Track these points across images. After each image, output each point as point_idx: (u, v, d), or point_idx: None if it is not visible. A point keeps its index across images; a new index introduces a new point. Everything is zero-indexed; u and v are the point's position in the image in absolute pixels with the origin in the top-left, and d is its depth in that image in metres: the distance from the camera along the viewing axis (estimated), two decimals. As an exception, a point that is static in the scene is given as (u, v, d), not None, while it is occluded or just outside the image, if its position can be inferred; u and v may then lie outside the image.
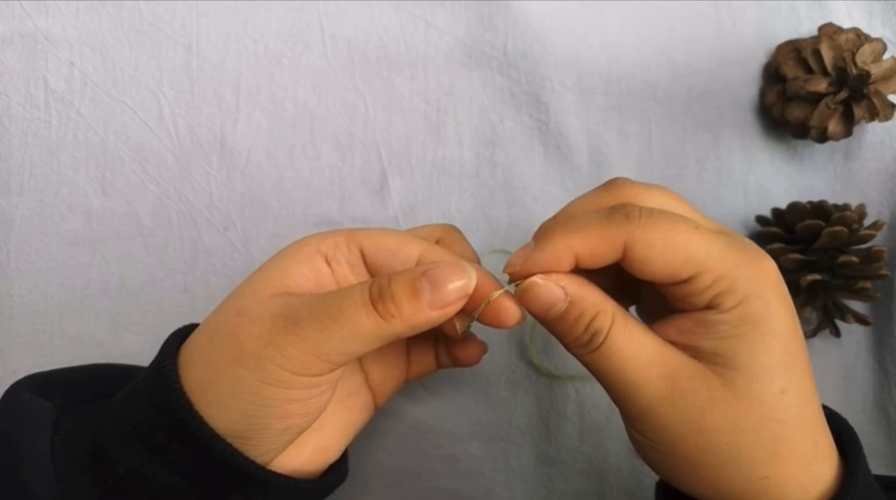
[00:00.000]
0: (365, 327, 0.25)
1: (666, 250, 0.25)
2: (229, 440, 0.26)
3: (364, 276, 0.29)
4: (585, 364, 0.27)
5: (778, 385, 0.25)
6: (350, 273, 0.29)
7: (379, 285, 0.26)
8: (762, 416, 0.25)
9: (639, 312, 0.31)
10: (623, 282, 0.28)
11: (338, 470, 0.31)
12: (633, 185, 0.27)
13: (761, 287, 0.25)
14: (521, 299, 0.27)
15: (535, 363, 0.41)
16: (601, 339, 0.26)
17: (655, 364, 0.26)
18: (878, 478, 0.28)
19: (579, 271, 0.27)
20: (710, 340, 0.25)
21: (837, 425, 0.28)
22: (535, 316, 0.27)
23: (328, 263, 0.29)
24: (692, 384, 0.25)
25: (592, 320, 0.26)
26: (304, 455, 0.29)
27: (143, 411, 0.27)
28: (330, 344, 0.25)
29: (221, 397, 0.26)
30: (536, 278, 0.26)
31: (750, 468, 0.25)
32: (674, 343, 0.26)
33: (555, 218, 0.28)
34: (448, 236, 0.32)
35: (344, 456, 0.32)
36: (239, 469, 0.26)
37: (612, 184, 0.28)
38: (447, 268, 0.26)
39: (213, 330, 0.28)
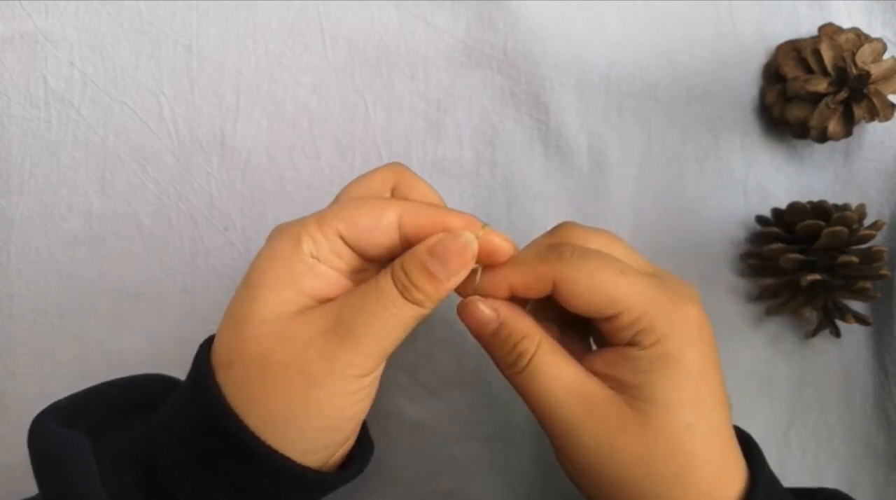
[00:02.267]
0: (407, 317, 0.28)
1: (590, 289, 0.28)
2: (305, 463, 0.28)
3: (350, 258, 0.29)
4: (514, 386, 0.30)
5: (684, 419, 0.27)
6: (339, 262, 0.29)
7: (400, 278, 0.27)
8: (669, 446, 0.27)
9: (595, 340, 0.33)
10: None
11: (361, 454, 0.32)
12: (577, 228, 0.30)
13: (679, 329, 0.28)
14: (460, 313, 0.30)
15: None
16: (525, 361, 0.29)
17: (575, 390, 0.28)
18: (794, 490, 0.32)
19: (544, 301, 0.29)
20: (630, 373, 0.28)
21: (744, 440, 0.31)
22: (472, 332, 0.30)
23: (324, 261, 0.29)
24: (607, 412, 0.28)
25: (519, 342, 0.29)
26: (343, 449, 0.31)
27: (202, 447, 0.27)
28: (385, 342, 0.27)
29: (298, 426, 0.27)
30: (475, 298, 0.29)
31: (659, 491, 0.28)
32: (601, 373, 0.29)
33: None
34: (403, 180, 0.31)
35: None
36: (312, 483, 0.28)
37: (558, 227, 0.31)
38: (447, 242, 0.28)
39: (255, 359, 0.27)
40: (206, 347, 0.29)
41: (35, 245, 0.40)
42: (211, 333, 0.29)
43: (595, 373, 0.29)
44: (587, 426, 0.28)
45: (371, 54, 0.41)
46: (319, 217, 0.28)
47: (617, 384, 0.28)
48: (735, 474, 0.29)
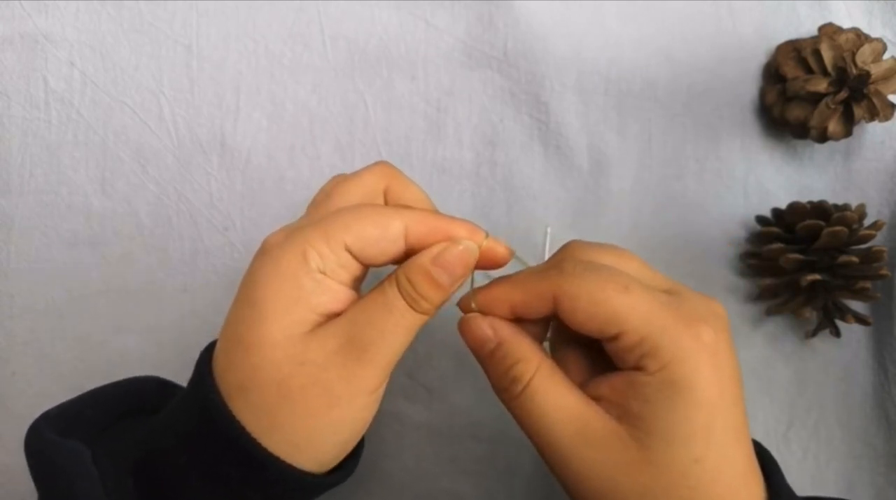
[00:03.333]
0: (413, 326, 0.28)
1: (590, 306, 0.26)
2: (315, 470, 0.28)
3: (355, 269, 0.28)
4: (510, 411, 0.29)
5: (693, 454, 0.25)
6: (345, 274, 0.28)
7: (407, 289, 0.27)
8: (673, 482, 0.25)
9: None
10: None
11: (354, 453, 0.32)
12: (585, 245, 0.29)
13: (689, 353, 0.25)
14: (460, 329, 0.29)
15: None
16: (520, 387, 0.27)
17: (574, 420, 0.27)
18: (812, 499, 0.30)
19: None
20: (635, 401, 0.26)
21: (760, 455, 0.28)
22: (470, 350, 0.29)
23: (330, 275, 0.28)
24: (608, 445, 0.26)
25: (514, 365, 0.28)
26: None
27: (213, 465, 0.27)
28: (396, 351, 0.28)
29: (320, 443, 0.27)
30: (475, 315, 0.29)
31: None
32: (606, 399, 0.27)
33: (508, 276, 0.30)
34: (394, 183, 0.31)
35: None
36: (316, 487, 0.28)
37: (566, 245, 0.30)
38: (451, 251, 0.28)
39: (272, 385, 0.26)
40: (207, 359, 0.28)
41: (35, 245, 0.40)
42: (211, 332, 0.29)
43: (600, 399, 0.27)
44: (586, 459, 0.26)
45: (371, 54, 0.41)
46: (324, 230, 0.27)
47: (622, 413, 0.26)
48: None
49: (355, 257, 0.28)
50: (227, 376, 0.27)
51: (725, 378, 0.26)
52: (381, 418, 0.41)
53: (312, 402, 0.26)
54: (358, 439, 0.29)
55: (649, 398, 0.26)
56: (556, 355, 0.30)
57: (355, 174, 0.31)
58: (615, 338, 0.26)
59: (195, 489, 0.27)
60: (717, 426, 0.26)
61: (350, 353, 0.27)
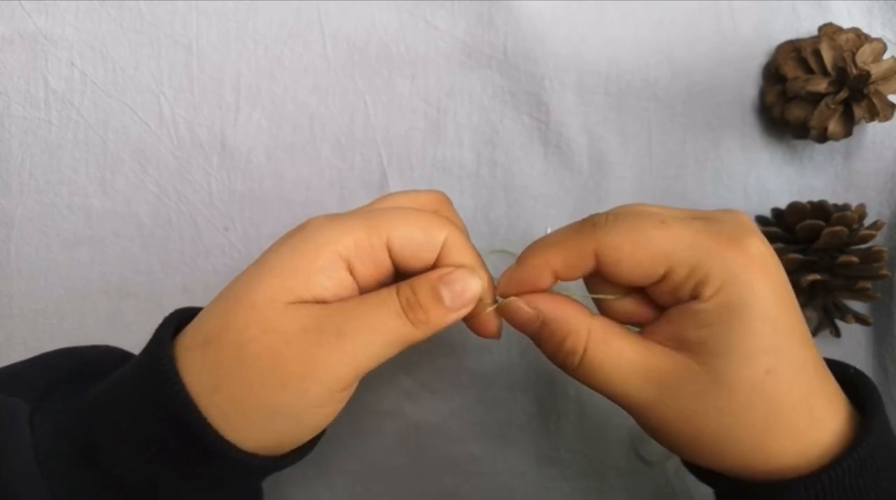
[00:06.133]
0: (401, 336, 0.27)
1: (635, 252, 0.26)
2: (253, 454, 0.26)
3: (387, 270, 0.28)
4: (576, 379, 0.28)
5: (762, 367, 0.25)
6: (374, 272, 0.28)
7: (406, 295, 0.27)
8: (747, 399, 0.25)
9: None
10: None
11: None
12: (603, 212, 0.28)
13: (739, 271, 0.25)
14: (503, 315, 0.29)
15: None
16: (577, 359, 0.27)
17: (639, 372, 0.27)
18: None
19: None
20: (694, 329, 0.26)
21: (861, 382, 0.28)
22: (520, 331, 0.29)
23: (349, 268, 0.27)
24: (678, 382, 0.26)
25: (565, 339, 0.27)
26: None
27: (149, 425, 0.26)
28: (371, 355, 0.26)
29: (255, 425, 0.26)
30: (513, 298, 0.28)
31: (743, 444, 0.26)
32: (666, 335, 0.27)
33: (536, 240, 0.29)
34: (444, 210, 0.31)
35: None
36: (258, 470, 0.27)
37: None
38: (464, 275, 0.28)
39: (233, 345, 0.26)
40: (171, 321, 0.28)
41: (35, 245, 0.40)
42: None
43: (659, 335, 0.27)
44: (662, 401, 0.26)
45: (371, 54, 0.41)
46: (370, 222, 0.27)
47: (682, 344, 0.26)
48: (826, 417, 0.26)
49: (391, 255, 0.27)
50: (198, 327, 0.27)
51: (780, 287, 0.26)
52: (381, 417, 0.41)
53: (263, 375, 0.25)
54: (295, 440, 0.28)
55: (709, 322, 0.25)
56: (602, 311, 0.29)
57: (411, 190, 0.32)
58: (664, 277, 0.26)
59: (131, 454, 0.26)
60: (782, 335, 0.26)
61: (321, 336, 0.26)
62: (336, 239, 0.27)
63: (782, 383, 0.26)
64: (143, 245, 0.40)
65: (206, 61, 0.41)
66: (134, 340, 0.40)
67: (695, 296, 0.26)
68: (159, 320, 0.40)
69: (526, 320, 0.28)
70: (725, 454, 0.27)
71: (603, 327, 0.27)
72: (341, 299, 0.27)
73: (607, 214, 0.27)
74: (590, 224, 0.27)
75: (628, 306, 0.29)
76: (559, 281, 0.29)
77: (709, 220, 0.27)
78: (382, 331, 0.26)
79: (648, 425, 0.28)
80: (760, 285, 0.25)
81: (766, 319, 0.25)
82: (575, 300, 0.29)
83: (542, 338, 0.28)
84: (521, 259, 0.28)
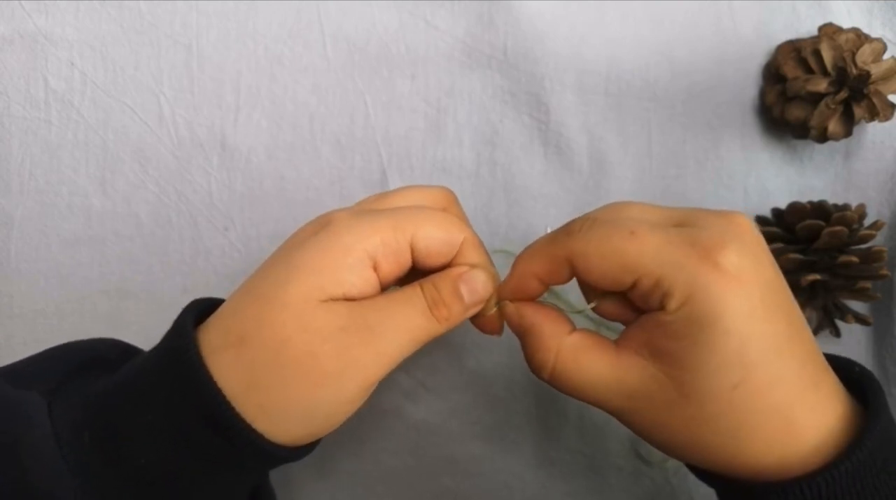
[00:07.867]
0: (426, 332, 0.28)
1: (601, 261, 0.26)
2: (281, 445, 0.27)
3: (406, 267, 0.29)
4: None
5: (729, 381, 0.25)
6: (396, 269, 0.28)
7: (431, 292, 0.28)
8: (718, 410, 0.25)
9: None
10: None
11: None
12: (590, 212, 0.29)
13: (707, 284, 0.25)
14: (503, 317, 0.30)
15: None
16: (546, 373, 0.28)
17: (610, 385, 0.27)
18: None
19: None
20: (664, 339, 0.26)
21: (865, 381, 0.28)
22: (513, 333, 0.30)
23: (375, 266, 0.28)
24: (648, 393, 0.27)
25: (534, 354, 0.29)
26: None
27: (174, 417, 0.26)
28: (400, 352, 0.28)
29: (289, 419, 0.27)
30: (507, 303, 0.30)
31: (717, 452, 0.26)
32: (640, 342, 0.27)
33: (528, 245, 0.30)
34: (452, 208, 0.32)
35: None
36: (281, 459, 0.28)
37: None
38: (479, 274, 0.29)
39: (269, 344, 0.26)
40: (192, 309, 0.28)
41: (35, 245, 0.40)
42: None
43: (635, 342, 0.27)
44: (635, 410, 0.27)
45: (371, 54, 0.41)
46: (395, 220, 0.28)
47: (655, 352, 0.26)
48: (811, 425, 0.26)
49: (413, 253, 0.28)
50: (229, 326, 0.27)
51: (755, 299, 0.25)
52: (381, 416, 0.41)
53: (302, 374, 0.26)
54: (326, 432, 0.29)
55: (676, 335, 0.25)
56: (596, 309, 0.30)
57: (419, 186, 0.32)
58: (633, 286, 0.26)
59: (158, 446, 0.26)
60: (754, 348, 0.25)
61: (356, 333, 0.26)
62: (365, 238, 0.27)
63: (753, 397, 0.25)
64: (143, 245, 0.40)
65: (206, 61, 0.41)
66: (134, 339, 0.40)
67: (661, 307, 0.26)
68: (159, 321, 0.40)
69: (513, 326, 0.30)
70: (705, 460, 0.27)
71: (574, 344, 0.28)
72: (366, 297, 0.28)
73: (584, 219, 0.28)
74: (565, 232, 0.28)
75: (609, 308, 0.29)
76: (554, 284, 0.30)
77: (691, 227, 0.27)
78: (410, 328, 0.28)
79: (630, 428, 0.28)
80: (731, 298, 0.25)
81: (734, 333, 0.25)
82: (560, 311, 0.30)
83: (522, 345, 0.30)
84: (513, 265, 0.30)
